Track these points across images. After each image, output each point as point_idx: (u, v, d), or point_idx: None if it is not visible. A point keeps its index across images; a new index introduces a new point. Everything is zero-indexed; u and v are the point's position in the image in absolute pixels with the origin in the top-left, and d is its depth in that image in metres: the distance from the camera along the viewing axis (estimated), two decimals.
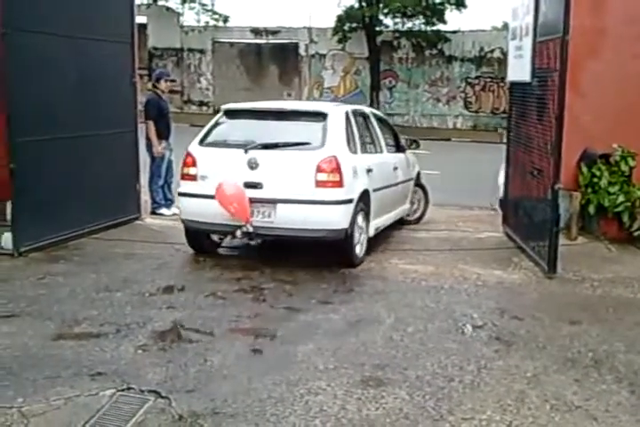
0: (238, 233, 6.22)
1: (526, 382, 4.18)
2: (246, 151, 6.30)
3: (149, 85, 9.10)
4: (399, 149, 8.25)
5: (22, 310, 5.11)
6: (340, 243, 6.28)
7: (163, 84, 8.83)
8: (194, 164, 6.51)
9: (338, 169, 6.18)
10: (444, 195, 9.81)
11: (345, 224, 6.20)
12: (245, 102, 7.55)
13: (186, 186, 6.57)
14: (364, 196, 6.61)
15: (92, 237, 7.32)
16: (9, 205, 6.75)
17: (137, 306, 5.30)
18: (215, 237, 6.98)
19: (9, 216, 6.74)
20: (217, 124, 6.83)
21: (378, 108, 23.42)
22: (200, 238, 6.87)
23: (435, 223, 8.77)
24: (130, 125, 8.02)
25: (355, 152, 6.67)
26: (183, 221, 6.60)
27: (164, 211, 8.75)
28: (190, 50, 27.71)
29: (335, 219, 6.19)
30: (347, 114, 6.89)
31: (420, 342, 4.77)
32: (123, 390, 3.91)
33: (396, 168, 7.78)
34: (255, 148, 6.33)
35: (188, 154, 6.58)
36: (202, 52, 27.57)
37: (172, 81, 10.01)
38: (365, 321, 5.08)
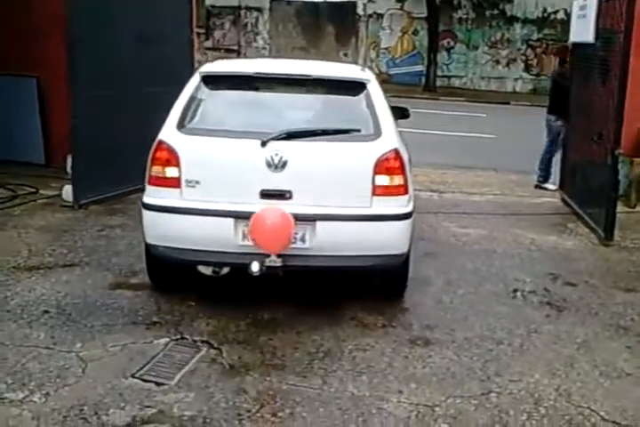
0: (255, 267, 4.04)
1: (576, 347, 4.15)
2: (264, 143, 4.16)
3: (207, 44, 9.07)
4: None
5: (81, 260, 5.28)
6: (394, 270, 4.59)
7: None
8: (173, 161, 4.22)
9: (402, 168, 4.32)
10: (499, 159, 9.67)
11: (407, 246, 4.42)
12: (241, 62, 5.80)
13: (158, 194, 4.27)
14: None
15: None
16: (69, 159, 6.91)
17: None
18: (204, 269, 4.69)
19: (69, 170, 6.91)
20: (196, 96, 4.52)
21: (435, 70, 23.06)
22: (173, 270, 4.65)
23: (489, 187, 8.65)
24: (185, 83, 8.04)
25: (401, 138, 4.69)
26: (150, 247, 4.37)
27: (549, 186, 8.40)
28: (248, 8, 27.51)
29: (397, 240, 4.33)
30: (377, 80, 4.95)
31: (470, 304, 4.77)
32: (176, 340, 4.03)
33: None
34: (279, 138, 4.20)
35: (162, 145, 4.28)
36: (259, 10, 27.35)
37: None
38: (415, 282, 5.07)
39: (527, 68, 24.41)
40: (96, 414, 3.26)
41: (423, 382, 3.68)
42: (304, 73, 4.57)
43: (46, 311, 4.33)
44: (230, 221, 4.16)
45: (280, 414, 3.33)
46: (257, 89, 4.63)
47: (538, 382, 3.72)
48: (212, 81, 4.59)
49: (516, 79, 24.43)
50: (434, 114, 15.73)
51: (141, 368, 3.69)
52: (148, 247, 4.42)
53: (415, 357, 3.96)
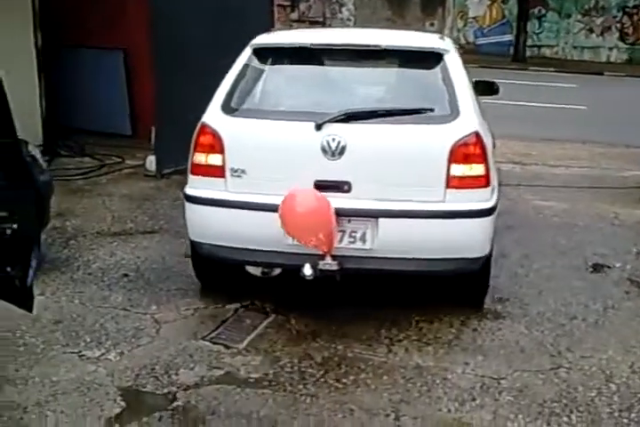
0: (307, 270, 3.59)
1: None
2: (320, 126, 3.64)
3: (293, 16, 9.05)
4: None
5: (161, 228, 5.44)
6: (473, 276, 3.95)
7: None
8: (217, 147, 3.77)
9: (483, 155, 3.68)
10: (589, 131, 9.31)
11: (487, 248, 3.83)
12: (299, 32, 5.12)
13: (201, 185, 3.85)
14: None
15: None
16: (153, 131, 7.10)
17: None
18: (253, 270, 4.27)
19: (153, 141, 7.10)
20: (247, 71, 4.02)
21: (525, 40, 22.26)
22: (222, 270, 4.20)
23: (576, 160, 8.36)
24: None
25: (483, 119, 4.06)
26: (194, 245, 3.99)
27: None
28: None
29: (475, 241, 3.75)
30: (457, 51, 4.31)
31: (546, 278, 4.65)
32: (246, 306, 4.11)
33: None
34: (336, 119, 3.66)
35: (205, 129, 3.83)
36: None
37: None
38: None
39: (623, 37, 23.20)
40: (167, 373, 3.39)
41: (490, 354, 3.63)
42: (369, 43, 4.00)
43: (125, 275, 4.50)
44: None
45: (344, 380, 3.36)
46: (314, 63, 4.08)
47: (611, 358, 3.61)
48: (265, 54, 4.08)
49: (610, 48, 23.27)
50: (522, 85, 15.22)
51: (212, 332, 3.80)
52: (193, 245, 3.99)
53: (484, 329, 3.91)
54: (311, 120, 3.67)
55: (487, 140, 3.83)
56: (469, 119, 3.74)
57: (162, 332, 3.79)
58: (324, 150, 3.65)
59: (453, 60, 3.99)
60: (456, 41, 21.37)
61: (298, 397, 3.20)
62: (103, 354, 3.55)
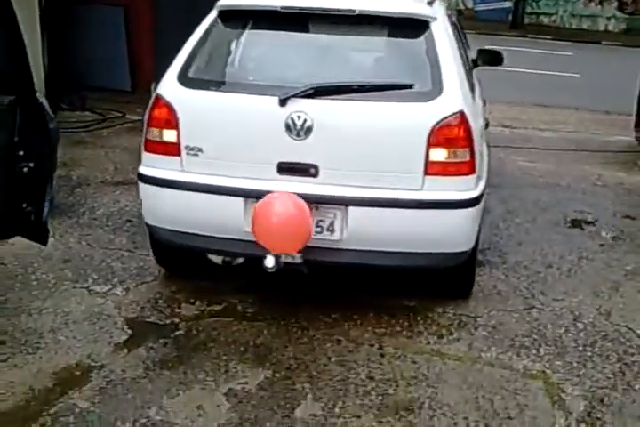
0: (270, 262, 3.20)
1: (624, 273, 4.29)
2: (284, 101, 3.23)
3: None
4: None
5: None
6: (457, 270, 3.62)
7: None
8: (173, 122, 3.37)
9: (468, 138, 3.27)
10: (581, 99, 9.51)
11: (471, 242, 3.49)
12: None
13: (155, 163, 3.48)
14: None
15: None
16: (153, 86, 7.26)
17: None
18: (215, 258, 3.88)
19: None
20: (210, 37, 3.59)
21: (524, 7, 22.24)
22: (180, 256, 3.85)
23: (564, 124, 8.58)
24: None
25: (473, 97, 3.74)
26: (150, 228, 3.63)
27: None
28: None
29: (457, 235, 3.39)
30: (449, 19, 3.92)
31: (526, 231, 4.93)
32: None
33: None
34: (303, 94, 3.25)
35: (159, 101, 3.43)
36: None
37: None
38: None
39: (621, 7, 23.15)
40: (169, 306, 3.67)
41: (469, 297, 3.89)
42: (345, 7, 3.46)
43: (129, 220, 4.75)
44: (239, 201, 3.31)
45: (334, 315, 3.63)
46: (283, 29, 3.62)
47: (580, 302, 3.90)
48: (231, 18, 3.63)
49: (608, 18, 23.24)
50: (519, 52, 15.27)
51: (213, 272, 4.06)
52: (149, 229, 3.65)
53: None
54: (275, 94, 3.24)
55: (475, 121, 3.41)
56: (454, 97, 3.29)
57: (164, 272, 4.04)
58: (288, 129, 3.24)
59: (441, 29, 3.49)
60: (453, 6, 21.31)
61: (290, 329, 3.49)
62: (110, 289, 3.82)
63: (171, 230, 3.50)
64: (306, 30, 3.62)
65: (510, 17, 22.32)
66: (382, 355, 3.29)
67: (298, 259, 3.23)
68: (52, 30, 7.63)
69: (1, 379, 2.99)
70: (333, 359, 3.24)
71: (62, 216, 4.75)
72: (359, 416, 2.85)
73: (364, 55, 3.72)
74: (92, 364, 3.13)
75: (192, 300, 3.74)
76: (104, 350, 3.24)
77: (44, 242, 3.54)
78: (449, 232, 3.35)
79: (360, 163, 3.28)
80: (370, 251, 3.34)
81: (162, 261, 3.96)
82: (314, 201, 3.22)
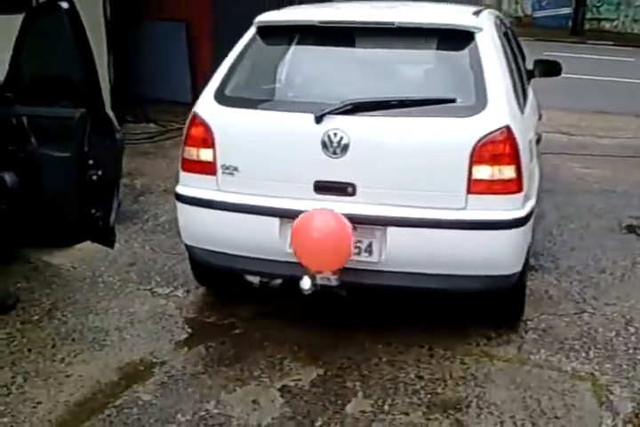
0: (306, 284, 3.14)
1: None
2: (320, 118, 3.15)
3: None
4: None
5: None
6: (504, 294, 3.47)
7: None
8: (209, 141, 3.34)
9: (514, 155, 3.11)
10: None
11: (519, 264, 3.30)
12: (310, 8, 4.25)
13: (191, 182, 3.47)
14: None
15: None
16: None
17: None
18: (252, 279, 4.06)
19: None
20: (248, 54, 3.55)
21: (584, 13, 21.93)
22: (219, 275, 3.89)
23: (623, 131, 8.49)
24: None
25: (522, 111, 3.59)
26: (188, 248, 3.62)
27: None
28: None
29: (503, 256, 3.22)
30: (497, 29, 3.75)
31: (580, 237, 4.93)
32: None
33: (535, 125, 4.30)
34: (339, 111, 3.16)
35: (195, 120, 3.41)
36: None
37: None
38: None
39: None
40: (226, 307, 3.83)
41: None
42: (384, 20, 3.42)
43: None
44: (274, 221, 3.24)
45: (383, 318, 3.74)
46: (321, 44, 3.56)
47: (632, 306, 3.90)
48: (269, 34, 3.57)
49: None
50: (579, 58, 15.17)
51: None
52: (189, 250, 3.61)
53: None
54: (311, 111, 3.15)
55: (523, 136, 3.24)
56: (499, 111, 3.13)
57: None
58: (324, 146, 3.14)
59: (487, 41, 3.34)
60: (509, 14, 21.11)
61: (341, 330, 3.60)
62: (172, 291, 4.02)
63: (207, 250, 3.44)
64: (345, 44, 3.52)
65: (570, 23, 22.05)
66: (432, 356, 3.38)
67: (334, 281, 3.13)
68: (117, 46, 7.99)
69: (71, 373, 3.20)
70: (384, 359, 3.34)
71: (127, 222, 5.00)
72: (408, 413, 2.94)
73: (405, 69, 3.58)
74: (155, 360, 3.32)
75: (248, 302, 3.90)
76: (166, 348, 3.43)
77: (112, 245, 3.76)
78: (493, 254, 3.17)
79: (399, 181, 3.15)
80: (410, 273, 3.20)
81: (201, 280, 3.95)
82: (351, 221, 3.08)
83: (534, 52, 5.91)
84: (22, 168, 4.00)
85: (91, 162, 3.53)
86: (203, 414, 2.92)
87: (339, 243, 3.05)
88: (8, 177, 4.02)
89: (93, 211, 3.64)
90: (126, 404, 2.97)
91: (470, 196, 3.09)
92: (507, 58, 3.61)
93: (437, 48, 3.44)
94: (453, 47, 3.37)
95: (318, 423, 2.87)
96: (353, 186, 3.16)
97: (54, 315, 3.73)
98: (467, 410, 2.96)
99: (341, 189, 3.17)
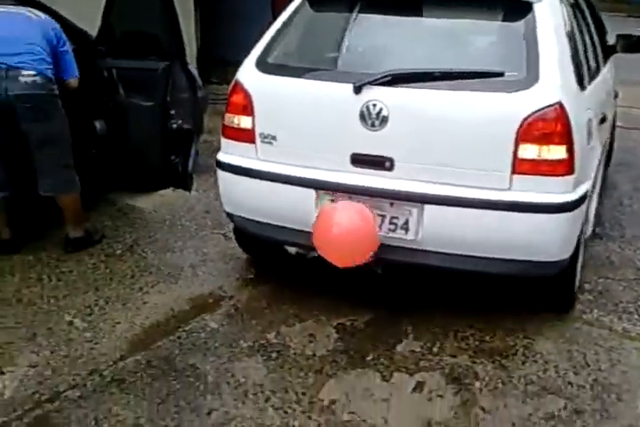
0: None
1: None
2: (359, 89, 3.03)
3: None
4: (603, 55, 4.54)
5: None
6: (553, 280, 3.29)
7: None
8: (249, 108, 3.28)
9: (566, 134, 2.90)
10: None
11: (567, 251, 3.12)
12: None
13: (231, 150, 3.42)
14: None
15: None
16: None
17: None
18: (290, 248, 3.87)
19: None
20: (294, 21, 3.44)
21: None
22: (260, 244, 3.80)
23: None
24: None
25: (583, 87, 3.34)
26: (228, 215, 3.59)
27: None
28: None
29: (550, 241, 3.04)
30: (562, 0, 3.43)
31: None
32: None
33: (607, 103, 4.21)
34: (379, 81, 3.02)
35: (237, 87, 3.34)
36: None
37: None
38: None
39: None
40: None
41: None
42: None
43: None
44: (311, 192, 3.17)
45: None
46: (367, 12, 3.40)
47: None
48: (317, 1, 3.48)
49: None
50: None
51: None
52: (231, 218, 3.57)
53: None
54: (350, 81, 3.03)
55: (579, 114, 3.03)
56: (552, 86, 2.90)
57: None
58: (362, 118, 3.02)
59: (546, 11, 3.09)
60: None
61: (398, 279, 3.75)
62: None
63: (245, 218, 3.43)
64: (391, 13, 3.34)
65: None
66: (484, 308, 3.51)
67: (369, 257, 3.06)
68: (203, 8, 8.24)
69: (147, 301, 3.50)
70: (438, 309, 3.49)
71: (205, 175, 5.23)
72: (455, 356, 3.10)
73: (454, 40, 3.29)
74: (223, 294, 3.59)
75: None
76: (234, 284, 3.69)
77: (189, 189, 4.03)
78: (537, 238, 2.98)
79: (439, 157, 2.98)
80: (448, 253, 3.06)
81: (244, 247, 3.93)
82: (388, 196, 3.03)
83: (623, 28, 5.68)
84: (111, 116, 4.33)
85: (172, 112, 3.79)
86: (263, 342, 3.16)
87: (358, 244, 3.01)
88: (98, 124, 4.37)
89: (173, 157, 3.91)
90: (195, 329, 3.25)
91: (515, 176, 2.90)
92: (571, 30, 3.40)
93: (492, 19, 3.22)
94: (509, 18, 3.15)
95: (369, 357, 3.07)
96: (391, 160, 3.03)
97: (135, 250, 4.05)
98: (512, 357, 3.09)
99: (379, 162, 3.05)
